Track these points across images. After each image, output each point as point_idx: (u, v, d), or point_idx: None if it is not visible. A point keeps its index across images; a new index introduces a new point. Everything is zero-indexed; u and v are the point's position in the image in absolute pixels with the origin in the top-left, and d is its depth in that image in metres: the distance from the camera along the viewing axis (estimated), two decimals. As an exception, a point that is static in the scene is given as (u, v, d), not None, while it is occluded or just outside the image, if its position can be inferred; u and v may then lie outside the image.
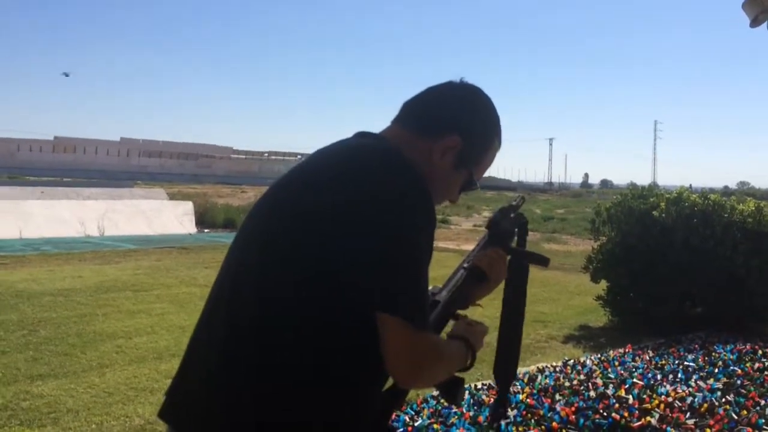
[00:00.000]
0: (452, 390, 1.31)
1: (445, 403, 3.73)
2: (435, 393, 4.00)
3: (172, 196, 24.49)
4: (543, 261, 1.51)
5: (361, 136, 1.37)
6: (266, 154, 77.36)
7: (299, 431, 1.14)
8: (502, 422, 3.60)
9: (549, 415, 3.88)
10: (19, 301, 7.46)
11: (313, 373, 1.14)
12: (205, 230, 18.77)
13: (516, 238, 1.54)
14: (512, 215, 1.53)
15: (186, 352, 1.33)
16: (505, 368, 1.52)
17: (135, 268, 10.42)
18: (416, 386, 1.22)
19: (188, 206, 20.21)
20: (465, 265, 1.46)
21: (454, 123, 1.34)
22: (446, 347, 1.25)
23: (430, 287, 1.40)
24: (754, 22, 3.25)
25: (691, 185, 8.20)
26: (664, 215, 7.01)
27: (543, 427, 3.74)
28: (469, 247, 1.63)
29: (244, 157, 74.50)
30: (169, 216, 18.83)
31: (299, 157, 78.75)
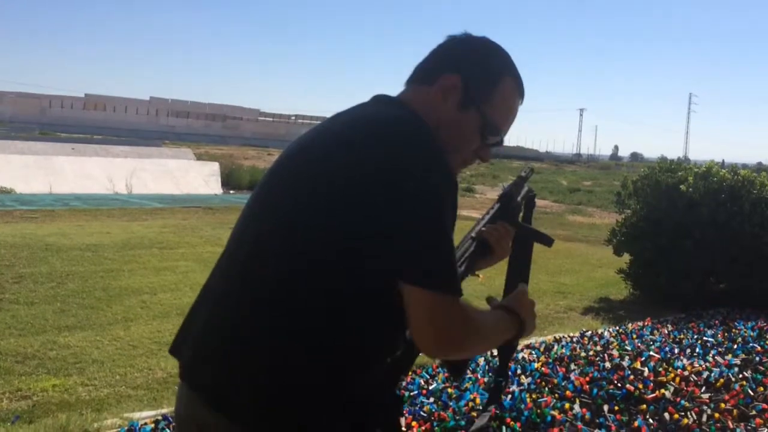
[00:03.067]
0: (458, 363, 1.32)
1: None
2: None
3: (199, 157, 24.70)
4: (547, 241, 1.51)
5: (378, 101, 1.35)
6: (293, 117, 77.32)
7: (309, 394, 1.15)
8: (515, 389, 3.64)
9: (563, 383, 3.90)
10: (48, 254, 7.64)
11: (328, 338, 1.14)
12: (231, 191, 18.95)
13: (522, 211, 1.54)
14: (523, 189, 1.53)
15: (198, 308, 1.35)
16: (507, 342, 1.53)
17: (161, 226, 10.59)
18: (447, 357, 1.23)
19: (214, 167, 20.39)
20: (473, 234, 1.46)
21: (449, 63, 1.32)
22: (483, 318, 1.23)
23: None
24: None
25: (723, 161, 8.04)
26: (691, 190, 6.91)
27: (556, 395, 3.77)
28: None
29: (271, 119, 74.57)
30: (195, 176, 19.04)
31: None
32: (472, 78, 1.30)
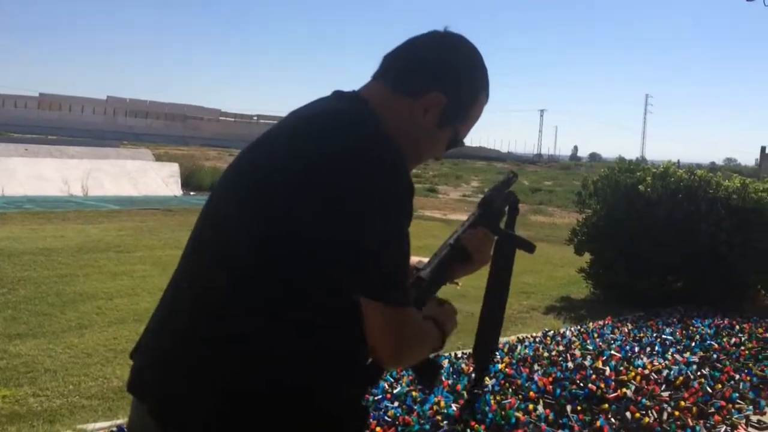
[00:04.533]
0: (430, 374, 1.29)
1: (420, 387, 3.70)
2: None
3: (158, 158, 24.22)
4: (529, 247, 1.47)
5: (338, 98, 1.28)
6: (255, 117, 76.57)
7: (268, 404, 1.10)
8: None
9: (527, 384, 3.90)
10: (-2, 259, 7.38)
11: (280, 349, 1.10)
12: (191, 193, 18.65)
13: (505, 217, 1.50)
14: (504, 193, 1.49)
15: (155, 312, 1.29)
16: (483, 352, 1.50)
17: (118, 229, 10.35)
18: (398, 368, 1.20)
19: (174, 168, 20.03)
20: (451, 242, 1.42)
21: (436, 78, 1.25)
22: (426, 328, 1.21)
23: (416, 260, 1.38)
24: None
25: (678, 161, 8.22)
26: (649, 190, 7.02)
27: (520, 396, 3.76)
28: (457, 217, 1.57)
29: (232, 119, 73.72)
30: (154, 177, 18.67)
31: (288, 121, 78.04)
32: (453, 100, 1.26)
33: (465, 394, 3.52)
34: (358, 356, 1.16)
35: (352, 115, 1.20)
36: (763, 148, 14.90)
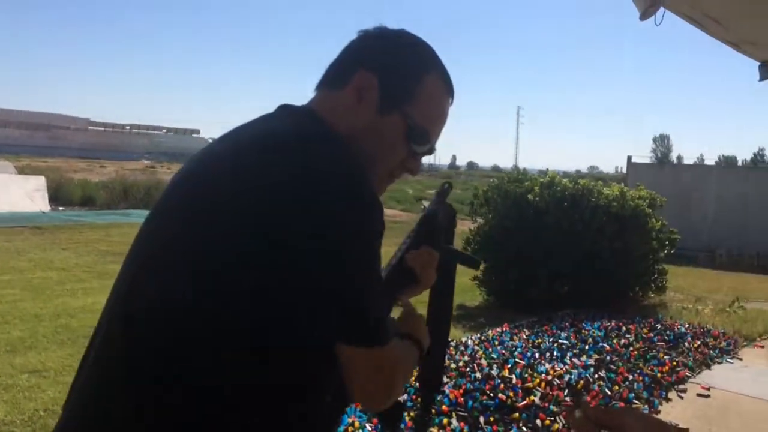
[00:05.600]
0: (395, 415, 1.19)
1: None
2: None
3: (21, 170, 22.50)
4: (474, 263, 1.40)
5: (287, 114, 1.14)
6: (128, 127, 73.12)
7: None
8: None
9: (438, 398, 3.88)
10: None
11: (232, 411, 0.94)
12: (60, 208, 17.41)
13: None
14: (444, 207, 1.41)
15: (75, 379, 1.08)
16: (431, 375, 1.41)
17: (-21, 249, 9.42)
18: (388, 405, 1.07)
19: (40, 181, 18.63)
20: (394, 262, 1.33)
21: (362, 61, 1.12)
22: (405, 353, 1.11)
23: None
24: (644, 15, 3.35)
25: (548, 169, 8.61)
26: (537, 199, 7.30)
27: (433, 410, 3.73)
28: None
29: (102, 129, 69.95)
30: (17, 191, 17.24)
31: (164, 131, 75.32)
32: (390, 75, 1.12)
33: (412, 422, 3.38)
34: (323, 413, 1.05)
35: (317, 139, 1.04)
36: (629, 158, 16.01)
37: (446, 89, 1.18)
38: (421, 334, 1.19)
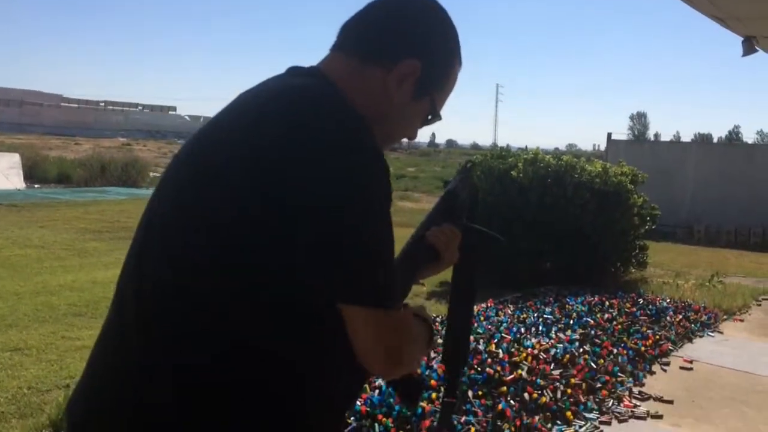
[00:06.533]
0: (412, 391, 1.18)
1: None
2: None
3: (-6, 147, 22.02)
4: (498, 241, 1.37)
5: (295, 74, 1.11)
6: (102, 104, 71.89)
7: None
8: (381, 383, 3.55)
9: (427, 373, 3.89)
10: None
11: (241, 380, 0.94)
12: (36, 185, 17.09)
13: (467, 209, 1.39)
14: (468, 185, 1.38)
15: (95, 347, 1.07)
16: (456, 356, 1.39)
17: (-46, 227, 9.23)
18: (397, 375, 1.05)
19: (15, 158, 18.25)
20: (417, 238, 1.29)
21: (410, 44, 1.10)
22: (416, 326, 1.08)
23: None
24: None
25: (526, 146, 8.61)
26: (521, 175, 7.30)
27: (443, 387, 3.74)
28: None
29: (76, 106, 68.70)
30: (-8, 169, 16.89)
31: (140, 107, 74.15)
32: (432, 63, 1.12)
33: (438, 404, 3.38)
34: (333, 388, 1.03)
35: (315, 94, 1.02)
36: (609, 135, 16.10)
37: (461, 65, 1.20)
38: (427, 315, 1.17)
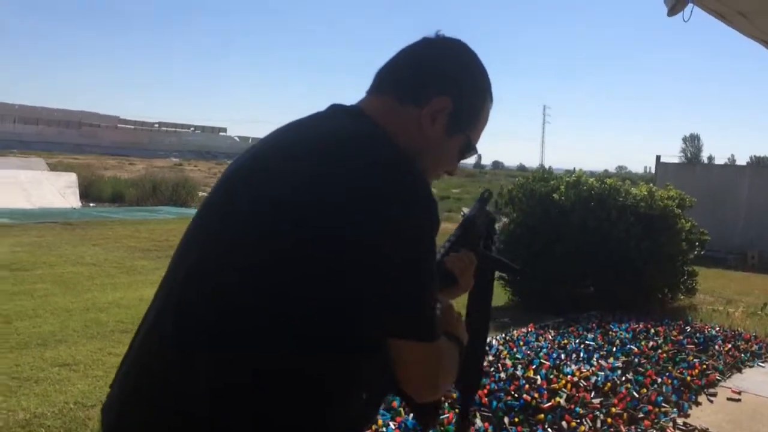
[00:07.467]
0: (430, 410, 1.20)
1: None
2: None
3: (53, 167, 22.90)
4: (513, 270, 1.40)
5: (341, 114, 1.17)
6: (156, 125, 74.05)
7: None
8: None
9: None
10: None
11: (278, 410, 0.99)
12: (91, 204, 17.68)
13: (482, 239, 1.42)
14: (485, 213, 1.41)
15: (131, 354, 1.13)
16: (468, 381, 1.40)
17: (12, 245, 9.60)
18: (430, 400, 1.10)
19: (71, 178, 18.95)
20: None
21: (440, 82, 1.17)
22: (450, 351, 1.13)
23: None
24: (672, 11, 3.28)
25: (575, 168, 8.50)
26: (563, 198, 7.22)
27: (457, 410, 3.71)
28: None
29: (132, 127, 70.91)
30: (50, 188, 17.57)
31: (192, 129, 76.10)
32: (463, 101, 1.18)
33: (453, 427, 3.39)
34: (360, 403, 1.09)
35: (366, 135, 1.09)
36: (658, 157, 15.74)
37: (492, 100, 1.27)
38: (460, 332, 1.20)
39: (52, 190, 17.47)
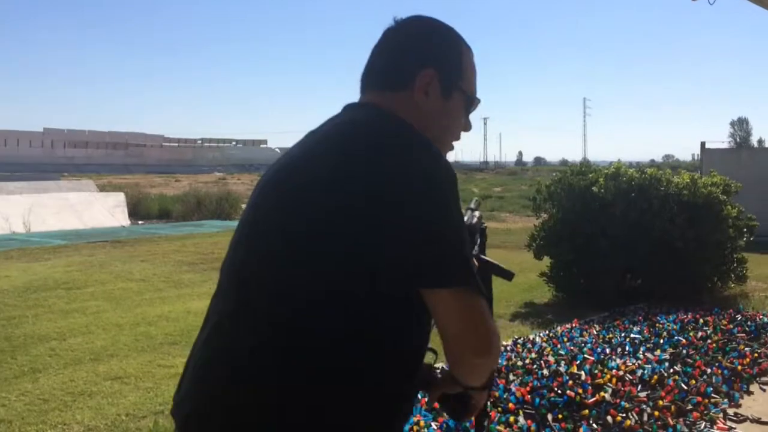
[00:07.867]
0: (462, 403, 1.25)
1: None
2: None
3: (102, 188, 23.62)
4: (507, 275, 1.43)
5: (348, 109, 1.30)
6: (200, 141, 75.65)
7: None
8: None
9: (504, 396, 3.85)
10: (-61, 305, 6.97)
11: (346, 373, 1.07)
12: (139, 222, 18.18)
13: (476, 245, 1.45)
14: (477, 218, 1.45)
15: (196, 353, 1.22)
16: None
17: (66, 264, 9.93)
18: (485, 361, 1.12)
19: (120, 197, 19.52)
20: None
21: (416, 58, 1.27)
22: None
23: None
24: None
25: (619, 160, 8.34)
26: (603, 191, 7.12)
27: (500, 408, 3.71)
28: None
29: (176, 144, 72.66)
30: (99, 208, 18.12)
31: (234, 143, 77.46)
32: (443, 63, 1.27)
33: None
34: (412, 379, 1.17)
35: (375, 117, 1.21)
36: (702, 144, 15.33)
37: (469, 48, 1.34)
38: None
39: (102, 210, 18.02)
